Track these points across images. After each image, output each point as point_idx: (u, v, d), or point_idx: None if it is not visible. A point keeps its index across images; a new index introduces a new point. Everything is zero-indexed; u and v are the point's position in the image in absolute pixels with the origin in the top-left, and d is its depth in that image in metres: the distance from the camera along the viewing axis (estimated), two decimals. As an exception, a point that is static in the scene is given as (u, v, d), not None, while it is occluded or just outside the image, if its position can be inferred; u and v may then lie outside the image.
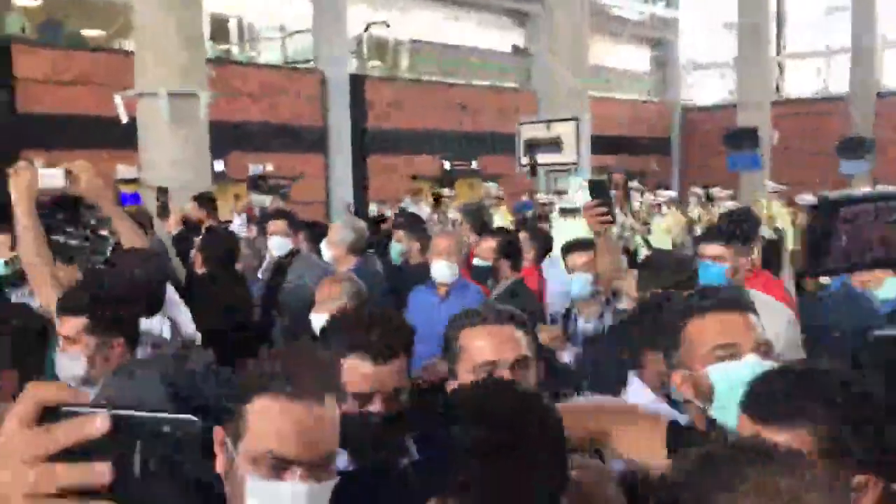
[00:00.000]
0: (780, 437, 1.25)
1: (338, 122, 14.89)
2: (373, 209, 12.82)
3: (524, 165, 12.75)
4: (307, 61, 15.47)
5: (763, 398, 1.34)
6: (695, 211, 10.08)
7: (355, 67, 15.98)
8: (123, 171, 10.53)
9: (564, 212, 6.56)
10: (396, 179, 15.16)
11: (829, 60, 20.38)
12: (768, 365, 1.58)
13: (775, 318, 2.39)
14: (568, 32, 13.76)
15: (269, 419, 1.36)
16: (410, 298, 3.87)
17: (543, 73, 15.56)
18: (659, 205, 8.95)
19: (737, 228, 3.36)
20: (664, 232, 7.89)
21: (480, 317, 1.84)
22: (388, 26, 15.97)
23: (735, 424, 1.60)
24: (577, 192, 8.59)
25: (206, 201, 6.61)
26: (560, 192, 8.82)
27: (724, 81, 20.66)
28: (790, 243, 7.57)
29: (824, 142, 17.51)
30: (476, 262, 4.21)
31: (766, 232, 8.09)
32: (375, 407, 1.71)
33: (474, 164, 16.89)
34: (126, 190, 10.52)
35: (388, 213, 10.17)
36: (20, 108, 10.97)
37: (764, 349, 1.69)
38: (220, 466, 1.40)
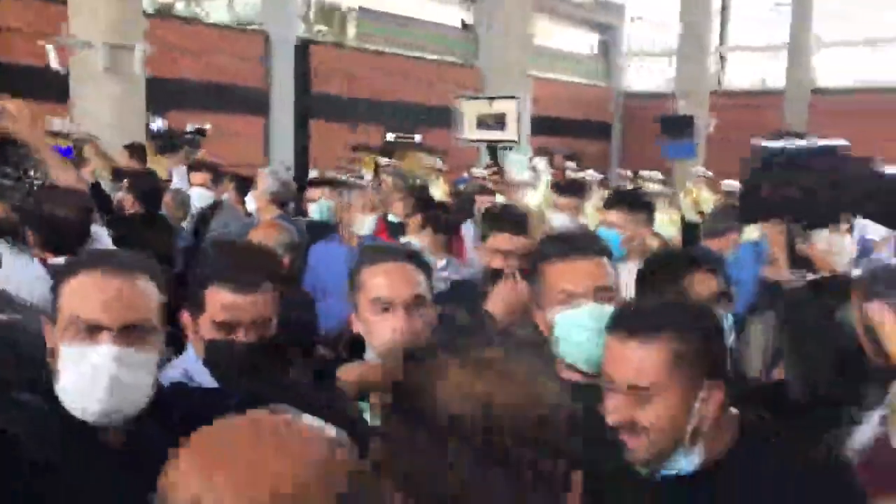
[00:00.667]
0: (641, 350, 1.48)
1: (281, 86, 14.75)
2: (313, 175, 12.79)
3: (462, 139, 12.84)
4: (253, 24, 15.26)
5: (627, 317, 1.55)
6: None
7: (302, 31, 15.81)
8: (57, 123, 10.32)
9: (514, 185, 6.77)
10: (338, 146, 15.09)
11: (769, 56, 20.87)
12: (609, 310, 1.74)
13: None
14: (514, 11, 13.86)
15: (76, 290, 1.45)
16: (314, 252, 3.93)
17: (489, 50, 15.62)
18: (591, 184, 9.11)
19: (640, 199, 3.47)
20: (595, 211, 8.06)
21: (381, 254, 1.92)
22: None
23: (576, 360, 1.83)
24: (515, 169, 8.76)
25: (137, 151, 6.61)
26: (493, 168, 8.92)
27: (666, 70, 21.00)
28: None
29: (759, 134, 17.95)
30: (391, 217, 4.35)
31: (691, 216, 8.36)
32: (240, 336, 1.77)
33: (417, 137, 16.92)
34: (59, 143, 10.33)
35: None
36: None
37: (607, 295, 1.86)
38: (49, 358, 1.47)
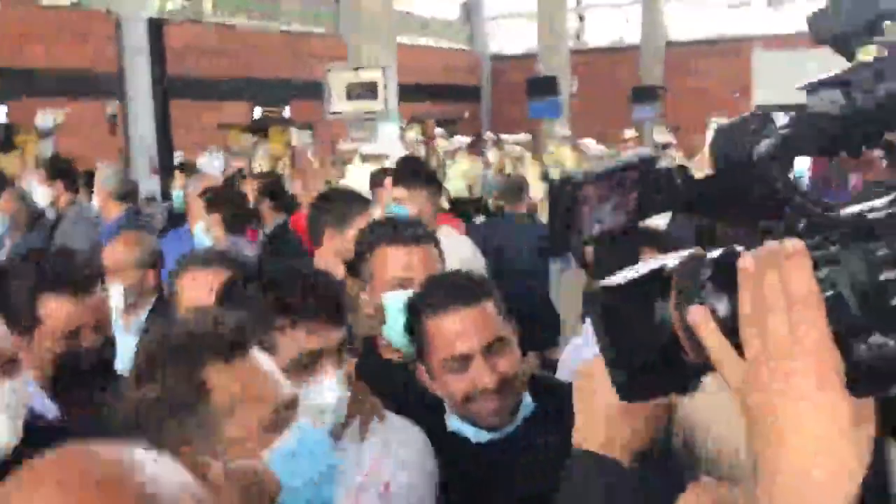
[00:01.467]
0: (479, 312, 1.61)
1: (135, 68, 14.11)
2: (178, 157, 12.42)
3: (333, 113, 12.70)
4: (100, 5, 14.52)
5: (448, 293, 1.65)
6: (490, 156, 10.53)
7: (155, 10, 15.15)
8: None
9: (365, 158, 6.73)
10: (204, 127, 14.66)
11: (625, 12, 21.49)
12: None
13: (459, 247, 2.95)
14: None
15: None
16: (163, 244, 3.80)
17: (354, 19, 15.45)
18: (454, 151, 9.26)
19: (419, 173, 3.49)
20: (460, 177, 8.21)
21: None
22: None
23: (400, 343, 1.94)
24: (384, 140, 8.76)
25: None
26: (361, 139, 8.91)
27: (531, 31, 21.35)
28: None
29: (620, 90, 18.56)
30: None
31: (554, 175, 8.59)
32: (85, 342, 1.75)
33: (286, 112, 16.61)
34: None
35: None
36: None
37: None
38: None
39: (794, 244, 0.63)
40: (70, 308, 1.74)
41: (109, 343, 1.81)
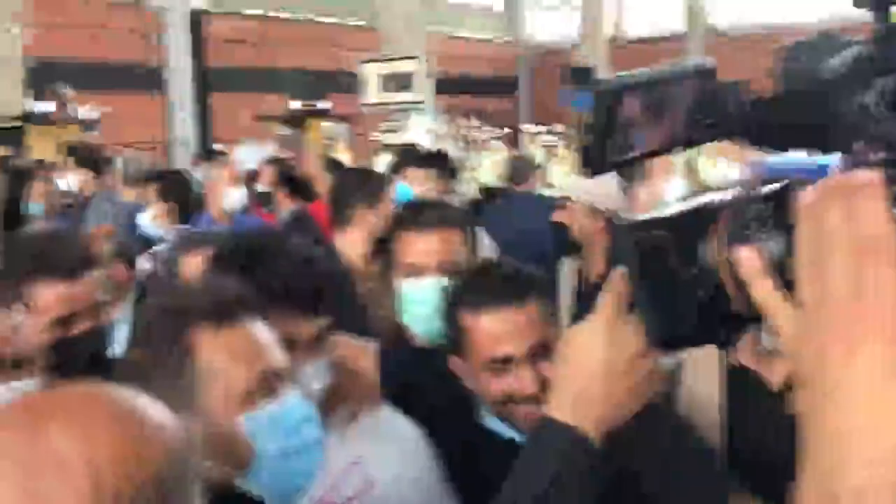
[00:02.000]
0: (523, 313, 1.49)
1: (177, 61, 14.36)
2: (218, 148, 12.59)
3: (366, 105, 12.77)
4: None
5: (494, 289, 1.53)
6: (532, 148, 10.48)
7: (195, 2, 15.38)
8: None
9: (387, 147, 6.77)
10: (242, 119, 14.83)
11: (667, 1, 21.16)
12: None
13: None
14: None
15: None
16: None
17: (389, 10, 15.49)
18: (486, 141, 9.24)
19: (428, 156, 3.51)
20: (490, 167, 8.20)
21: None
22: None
23: (421, 331, 1.89)
24: (409, 132, 8.80)
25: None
26: (391, 130, 8.96)
27: (569, 21, 21.16)
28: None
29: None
30: (259, 187, 4.37)
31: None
32: (81, 327, 1.70)
33: (323, 104, 16.72)
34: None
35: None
36: None
37: (450, 267, 1.87)
38: None
39: (866, 175, 0.55)
40: (62, 292, 1.69)
41: (102, 331, 1.78)
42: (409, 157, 3.40)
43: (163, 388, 1.03)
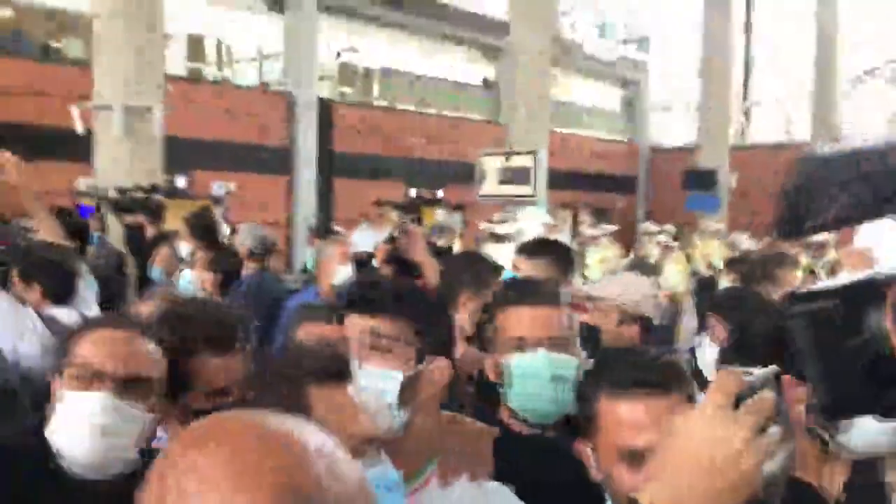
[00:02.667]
0: (659, 405, 1.36)
1: (304, 145, 15.07)
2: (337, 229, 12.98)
3: (482, 196, 12.97)
4: (276, 85, 15.70)
5: (619, 374, 1.43)
6: (649, 248, 10.30)
7: (325, 92, 16.20)
8: (82, 183, 10.65)
9: (494, 237, 6.82)
10: (361, 203, 15.30)
11: (794, 108, 20.82)
12: (562, 358, 1.76)
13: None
14: (534, 68, 14.06)
15: (88, 341, 1.53)
16: (286, 307, 3.99)
17: (511, 106, 15.85)
18: (597, 237, 9.16)
19: (545, 245, 3.41)
20: (598, 263, 8.10)
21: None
22: (356, 52, 16.24)
23: (526, 410, 1.81)
24: (519, 223, 8.83)
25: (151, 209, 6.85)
26: (499, 221, 9.01)
27: (692, 123, 21.08)
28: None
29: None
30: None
31: (701, 269, 8.31)
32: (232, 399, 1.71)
33: (440, 193, 17.08)
34: (84, 202, 10.64)
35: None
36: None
37: (559, 343, 1.82)
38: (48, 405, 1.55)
39: None
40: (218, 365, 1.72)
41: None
42: (522, 247, 3.35)
43: None
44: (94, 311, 3.42)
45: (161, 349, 1.59)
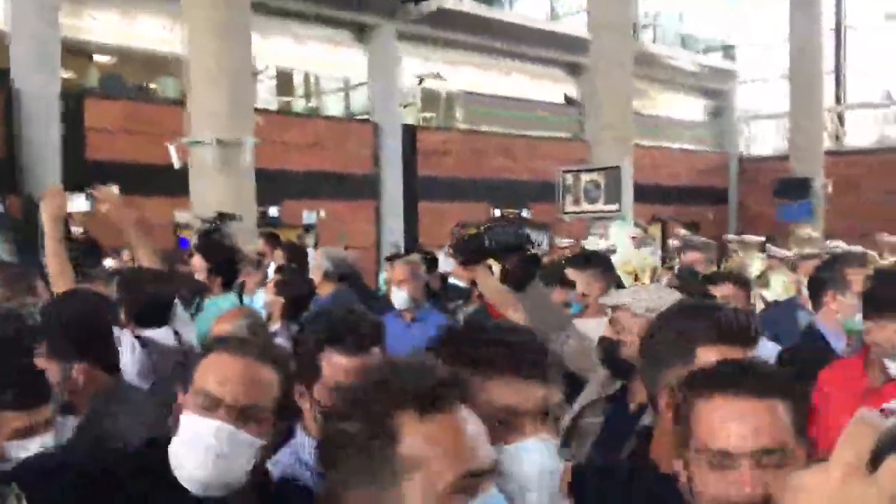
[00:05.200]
0: (767, 410, 1.31)
1: (390, 170, 15.39)
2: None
3: (566, 213, 12.97)
4: (362, 114, 16.11)
5: (714, 375, 1.39)
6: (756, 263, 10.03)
7: (409, 119, 16.53)
8: (181, 216, 11.19)
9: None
10: (446, 225, 15.49)
11: (890, 111, 20.05)
12: None
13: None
14: (617, 83, 13.99)
15: (210, 366, 1.63)
16: None
17: (594, 123, 15.81)
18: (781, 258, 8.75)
19: (588, 257, 3.50)
20: (782, 285, 7.84)
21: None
22: (441, 77, 16.50)
23: None
24: (605, 239, 8.81)
25: (270, 238, 7.22)
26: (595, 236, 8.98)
27: (781, 132, 20.52)
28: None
29: (883, 192, 17.22)
30: (451, 280, 4.57)
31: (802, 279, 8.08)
32: None
33: (524, 212, 17.13)
34: (184, 235, 11.18)
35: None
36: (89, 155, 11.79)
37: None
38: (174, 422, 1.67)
39: None
40: (345, 364, 1.81)
41: None
42: (575, 259, 3.48)
43: (358, 469, 1.04)
44: (190, 330, 3.63)
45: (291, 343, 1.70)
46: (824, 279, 2.97)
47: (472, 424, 1.08)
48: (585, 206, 12.76)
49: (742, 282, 3.45)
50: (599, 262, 3.51)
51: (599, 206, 12.66)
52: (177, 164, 9.24)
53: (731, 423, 1.29)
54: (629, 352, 2.11)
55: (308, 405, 1.83)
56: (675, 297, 2.25)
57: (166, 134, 9.74)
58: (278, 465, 1.80)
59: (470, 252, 3.21)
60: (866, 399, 2.22)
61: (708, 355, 1.56)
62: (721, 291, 3.15)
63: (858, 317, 2.74)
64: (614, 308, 2.38)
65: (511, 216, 16.54)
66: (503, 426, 1.22)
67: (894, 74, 19.63)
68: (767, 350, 2.24)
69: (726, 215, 21.26)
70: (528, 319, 2.61)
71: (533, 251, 2.97)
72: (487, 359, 1.28)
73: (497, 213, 16.63)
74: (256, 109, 9.98)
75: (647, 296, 2.35)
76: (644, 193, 15.69)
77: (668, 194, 18.80)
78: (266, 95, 15.48)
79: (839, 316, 2.86)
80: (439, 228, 15.03)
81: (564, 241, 10.14)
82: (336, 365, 1.81)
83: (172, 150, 9.19)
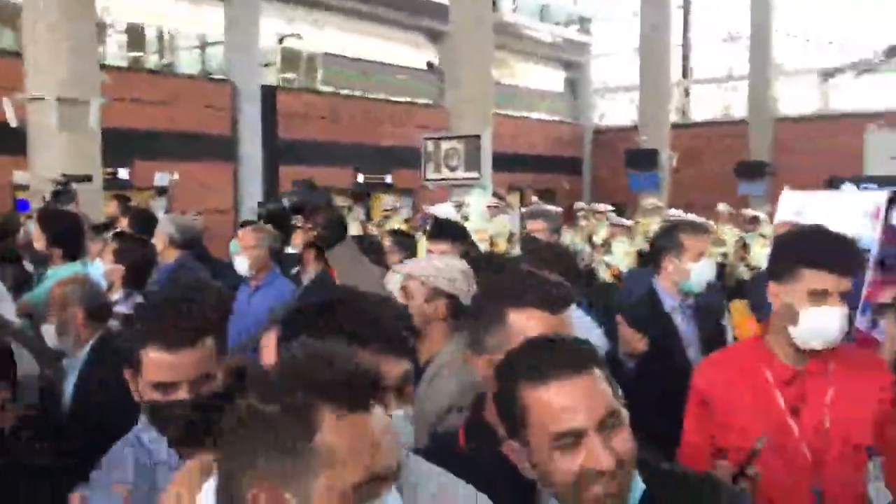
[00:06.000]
0: (594, 381, 1.35)
1: (248, 132, 15.00)
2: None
3: (428, 180, 13.09)
4: (218, 74, 15.57)
5: (555, 358, 1.40)
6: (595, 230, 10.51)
7: (269, 79, 16.12)
8: (19, 176, 10.49)
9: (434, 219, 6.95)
10: (307, 191, 15.27)
11: (731, 86, 21.29)
12: None
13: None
14: (477, 52, 14.14)
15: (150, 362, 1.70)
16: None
17: (455, 90, 15.94)
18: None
19: (445, 228, 3.67)
20: (624, 255, 8.19)
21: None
22: (300, 38, 16.16)
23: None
24: (461, 207, 8.96)
25: (121, 200, 6.89)
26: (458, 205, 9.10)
27: (633, 104, 21.43)
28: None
29: (724, 164, 18.31)
30: (289, 249, 4.57)
31: (643, 246, 8.53)
32: (181, 394, 1.68)
33: (388, 178, 17.15)
34: (23, 197, 10.50)
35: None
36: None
37: None
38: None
39: None
40: (163, 361, 1.71)
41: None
42: (432, 230, 3.60)
43: (274, 457, 1.01)
44: (8, 306, 3.44)
45: None
46: (662, 245, 3.18)
47: (384, 425, 1.07)
48: (446, 174, 12.92)
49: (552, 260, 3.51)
50: (451, 231, 3.61)
51: (459, 173, 12.85)
52: (13, 122, 8.64)
53: (571, 402, 1.32)
54: (417, 320, 2.15)
55: (136, 393, 1.74)
56: (461, 266, 2.42)
57: (4, 89, 9.09)
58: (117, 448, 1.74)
59: (273, 217, 3.24)
60: (787, 388, 2.06)
61: (519, 318, 1.64)
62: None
63: (693, 278, 3.09)
64: (406, 277, 2.50)
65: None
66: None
67: (738, 51, 20.80)
68: (577, 316, 2.35)
69: (581, 185, 22.05)
70: (340, 276, 2.63)
71: (339, 212, 2.99)
72: (358, 333, 1.27)
73: (361, 178, 16.58)
74: (103, 66, 9.44)
75: (430, 264, 2.52)
76: (503, 162, 16.03)
77: (525, 163, 19.28)
78: (116, 52, 14.70)
79: (675, 278, 3.08)
80: (300, 193, 14.80)
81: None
82: (155, 361, 1.70)
83: (7, 106, 8.59)
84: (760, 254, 7.56)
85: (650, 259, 3.47)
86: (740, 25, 20.08)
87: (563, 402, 1.32)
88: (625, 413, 1.36)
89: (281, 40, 16.30)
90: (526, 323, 1.64)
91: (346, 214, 6.96)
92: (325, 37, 17.21)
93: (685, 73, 22.08)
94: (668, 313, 3.08)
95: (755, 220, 9.43)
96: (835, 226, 2.12)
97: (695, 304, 3.13)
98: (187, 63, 16.27)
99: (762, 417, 2.02)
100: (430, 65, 18.93)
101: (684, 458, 2.14)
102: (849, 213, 3.19)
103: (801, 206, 3.56)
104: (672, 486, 1.40)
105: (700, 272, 3.09)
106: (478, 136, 12.95)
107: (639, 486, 1.38)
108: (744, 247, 8.41)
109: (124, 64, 14.51)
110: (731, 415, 2.08)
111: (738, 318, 3.09)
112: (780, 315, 2.05)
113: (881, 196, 3.19)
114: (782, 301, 2.05)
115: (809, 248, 2.04)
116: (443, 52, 18.46)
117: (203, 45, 16.47)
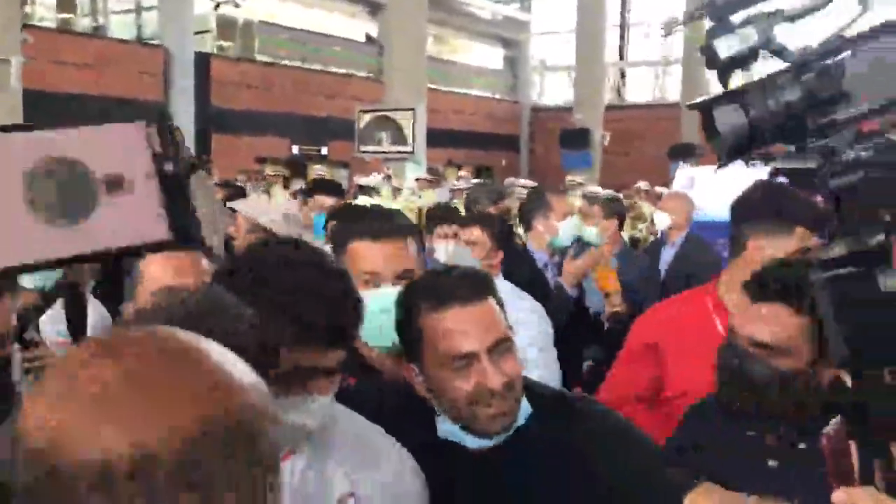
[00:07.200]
0: (477, 312, 1.47)
1: (181, 99, 14.78)
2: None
3: (362, 152, 13.12)
4: (152, 39, 15.28)
5: (434, 292, 1.49)
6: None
7: (205, 46, 15.87)
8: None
9: (362, 189, 7.05)
10: (241, 160, 15.16)
11: (666, 69, 21.67)
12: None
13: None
14: (415, 25, 14.17)
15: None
16: None
17: (392, 64, 15.92)
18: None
19: (327, 186, 4.00)
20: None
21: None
22: (237, 6, 15.94)
23: (376, 342, 1.78)
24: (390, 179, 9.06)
25: None
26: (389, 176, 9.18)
27: (571, 84, 21.67)
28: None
29: (658, 146, 18.67)
30: None
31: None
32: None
33: (324, 150, 17.08)
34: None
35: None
36: None
37: (406, 276, 1.78)
38: None
39: None
40: None
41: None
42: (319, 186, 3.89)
43: None
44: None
45: None
46: (532, 207, 3.46)
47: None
48: (380, 147, 12.95)
49: (488, 224, 3.60)
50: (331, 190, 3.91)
51: (393, 147, 12.89)
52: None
53: (466, 327, 1.43)
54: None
55: None
56: (287, 210, 3.15)
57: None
58: None
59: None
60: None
61: (357, 249, 1.84)
62: (467, 236, 3.19)
63: (561, 234, 3.46)
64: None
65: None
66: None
67: (674, 35, 21.17)
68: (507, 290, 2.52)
69: (518, 162, 22.27)
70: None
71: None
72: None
73: (296, 149, 16.48)
74: (26, 25, 9.22)
75: (258, 206, 3.47)
76: (441, 138, 16.12)
77: (463, 139, 19.39)
78: (45, 13, 14.29)
79: (547, 236, 3.38)
80: (234, 162, 14.69)
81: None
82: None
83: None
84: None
85: (521, 221, 3.70)
86: (678, 11, 20.43)
87: (459, 326, 1.43)
88: (514, 340, 1.49)
89: (217, 7, 16.04)
90: (362, 252, 1.84)
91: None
92: (262, 4, 16.99)
93: (622, 55, 22.41)
94: (540, 270, 3.39)
95: (659, 196, 9.71)
96: (722, 199, 2.27)
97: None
98: (121, 27, 15.91)
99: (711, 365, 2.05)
100: (368, 37, 18.85)
101: (605, 394, 2.30)
102: (734, 187, 3.40)
103: (692, 182, 3.82)
104: (554, 406, 1.52)
105: (567, 228, 3.45)
106: (412, 109, 13.02)
107: (526, 407, 1.49)
108: (653, 223, 8.67)
109: (52, 25, 14.13)
110: (680, 360, 2.18)
111: (600, 272, 3.34)
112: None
113: (764, 172, 3.39)
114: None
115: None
116: (381, 25, 18.40)
117: (138, 10, 16.12)
